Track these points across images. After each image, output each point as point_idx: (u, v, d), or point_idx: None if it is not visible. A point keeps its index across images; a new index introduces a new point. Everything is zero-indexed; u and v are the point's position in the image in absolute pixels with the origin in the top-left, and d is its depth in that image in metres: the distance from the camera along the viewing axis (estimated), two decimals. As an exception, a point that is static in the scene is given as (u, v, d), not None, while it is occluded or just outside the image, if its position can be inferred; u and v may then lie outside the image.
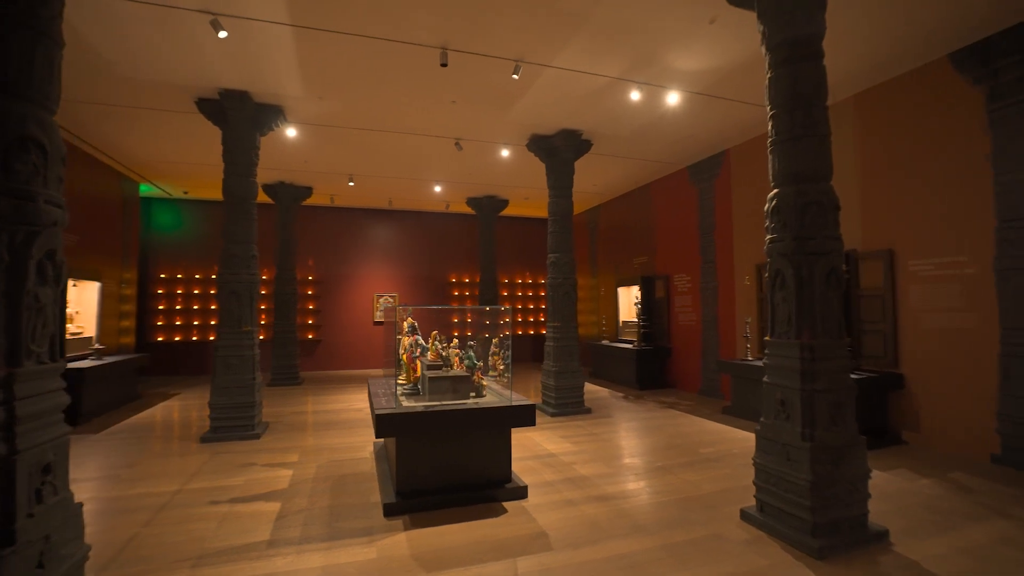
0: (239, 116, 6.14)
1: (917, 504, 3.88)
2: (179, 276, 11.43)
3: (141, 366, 8.55)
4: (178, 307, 11.40)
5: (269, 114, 6.39)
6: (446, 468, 4.04)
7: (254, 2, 4.27)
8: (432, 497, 3.92)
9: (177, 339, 11.38)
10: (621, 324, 10.91)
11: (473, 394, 4.37)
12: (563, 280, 7.43)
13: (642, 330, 9.54)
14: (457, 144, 7.68)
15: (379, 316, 12.93)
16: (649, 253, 10.11)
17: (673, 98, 5.99)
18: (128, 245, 9.62)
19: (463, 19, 4.54)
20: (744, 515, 3.64)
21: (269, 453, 5.38)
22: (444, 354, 4.50)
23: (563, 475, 4.66)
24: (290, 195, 10.37)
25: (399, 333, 4.64)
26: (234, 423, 5.97)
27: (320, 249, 12.47)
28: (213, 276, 11.68)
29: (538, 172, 8.14)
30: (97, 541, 3.36)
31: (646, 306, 9.70)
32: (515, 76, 5.32)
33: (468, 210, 12.38)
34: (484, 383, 4.50)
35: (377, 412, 3.76)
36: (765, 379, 3.59)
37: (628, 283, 10.58)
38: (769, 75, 3.56)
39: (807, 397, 3.27)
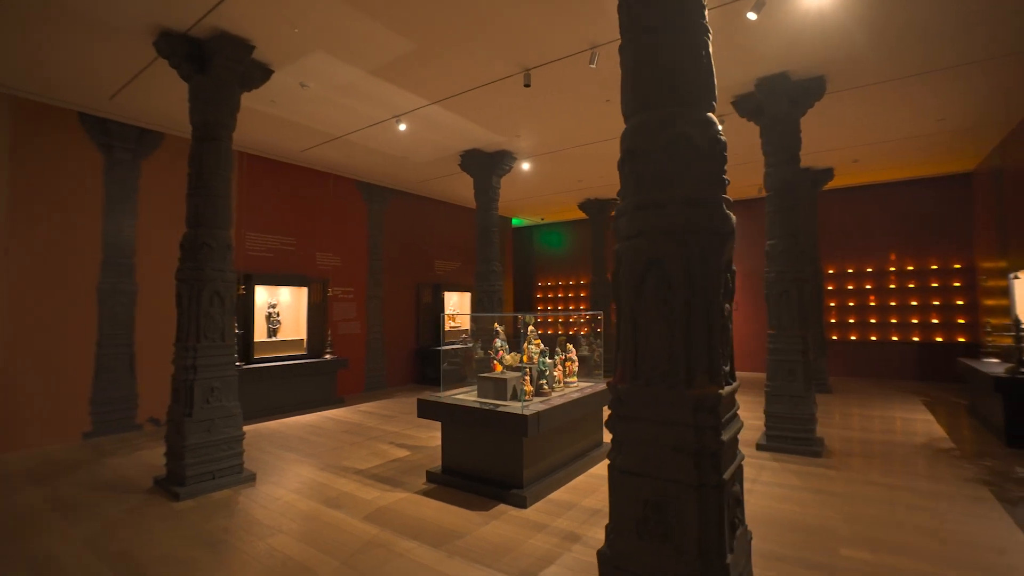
0: (477, 167, 8.19)
1: None
2: (548, 283, 14.86)
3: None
4: (549, 308, 14.84)
5: (500, 158, 8.13)
6: (474, 457, 4.58)
7: (400, 101, 6.11)
8: (459, 478, 4.58)
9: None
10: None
11: (516, 399, 4.65)
12: (778, 275, 5.59)
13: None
14: (666, 132, 7.07)
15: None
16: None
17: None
18: (502, 264, 13.55)
19: (516, 42, 4.80)
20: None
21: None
22: (505, 363, 4.93)
23: (606, 509, 4.14)
24: (596, 208, 11.75)
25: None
26: (479, 397, 8.02)
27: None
28: (582, 281, 14.47)
29: (838, 123, 6.99)
30: (358, 446, 5.99)
31: (1044, 305, 5.45)
32: (592, 65, 4.94)
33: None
34: (529, 388, 4.64)
35: (419, 397, 4.82)
36: None
37: (1034, 265, 6.12)
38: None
39: None
